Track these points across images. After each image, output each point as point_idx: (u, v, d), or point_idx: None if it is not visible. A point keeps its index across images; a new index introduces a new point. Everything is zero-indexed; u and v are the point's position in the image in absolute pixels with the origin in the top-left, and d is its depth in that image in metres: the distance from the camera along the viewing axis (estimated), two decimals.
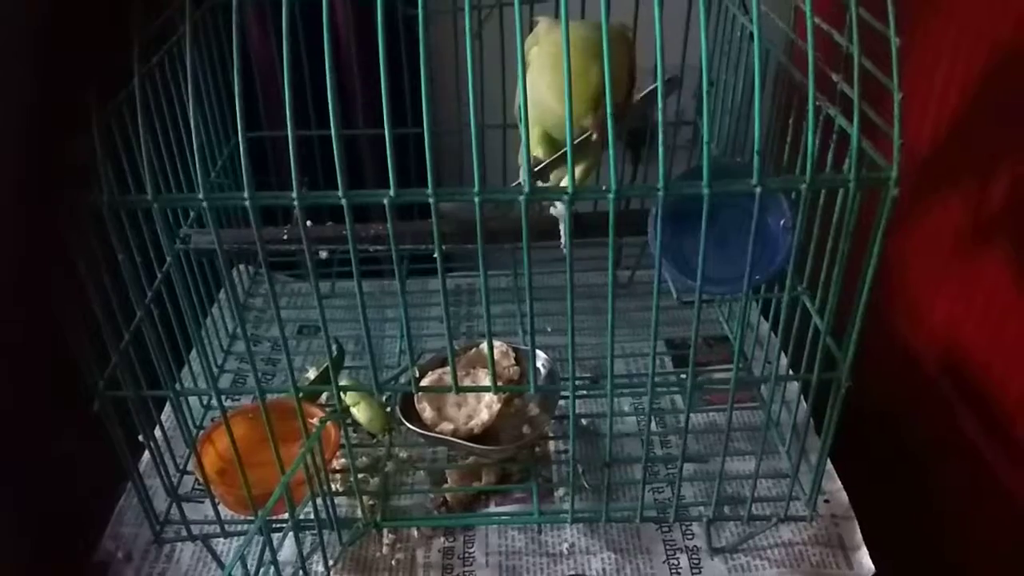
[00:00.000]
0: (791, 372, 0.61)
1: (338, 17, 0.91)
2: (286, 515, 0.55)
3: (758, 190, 0.43)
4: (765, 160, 0.43)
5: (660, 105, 0.43)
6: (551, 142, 0.61)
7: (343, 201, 0.43)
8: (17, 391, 0.61)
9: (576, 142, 0.54)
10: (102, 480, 0.69)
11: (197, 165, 0.43)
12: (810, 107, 0.43)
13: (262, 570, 0.53)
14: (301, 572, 0.54)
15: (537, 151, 0.60)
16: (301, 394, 0.53)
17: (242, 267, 0.90)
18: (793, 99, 0.57)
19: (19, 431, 0.61)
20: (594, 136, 0.54)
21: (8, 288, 0.61)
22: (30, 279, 0.62)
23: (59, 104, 0.45)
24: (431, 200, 0.44)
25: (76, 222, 0.46)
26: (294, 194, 0.43)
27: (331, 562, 0.58)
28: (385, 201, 0.43)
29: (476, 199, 0.43)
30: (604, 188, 0.43)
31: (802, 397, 0.64)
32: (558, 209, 0.60)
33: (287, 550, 0.59)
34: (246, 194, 0.43)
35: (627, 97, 0.58)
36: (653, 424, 0.71)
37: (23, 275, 0.62)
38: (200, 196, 0.43)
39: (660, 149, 0.43)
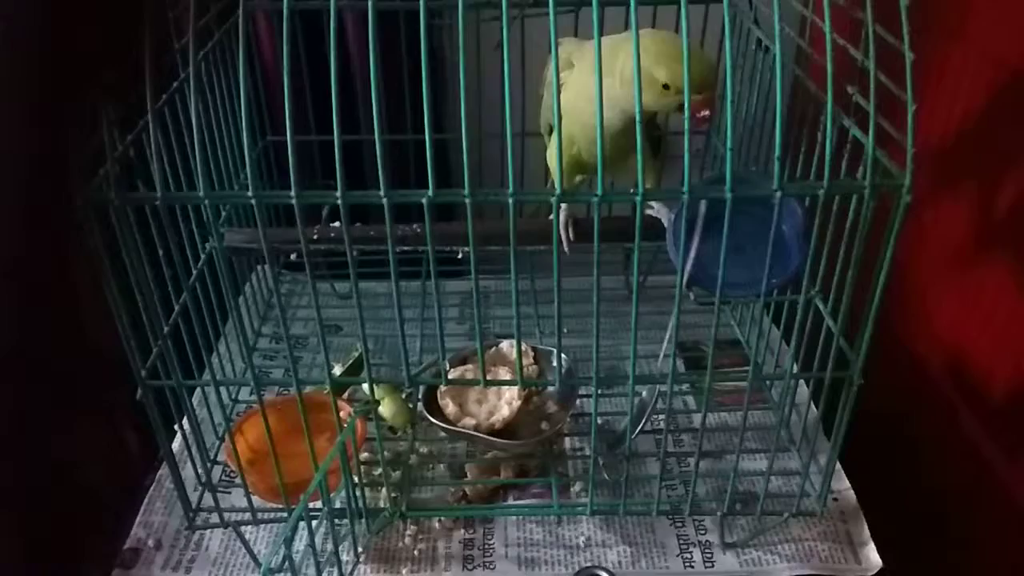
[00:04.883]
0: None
1: (354, 29, 0.94)
2: (316, 504, 0.57)
3: (778, 195, 0.45)
4: (784, 167, 0.45)
5: (686, 115, 0.45)
6: (580, 166, 0.63)
7: (384, 200, 0.45)
8: (42, 388, 0.63)
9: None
10: (126, 472, 0.71)
11: (248, 163, 0.45)
12: (828, 118, 0.45)
13: (296, 556, 0.55)
14: (335, 558, 0.56)
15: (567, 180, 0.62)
16: (331, 386, 0.55)
17: (261, 269, 0.92)
18: (807, 110, 0.59)
19: (42, 428, 0.63)
20: (705, 114, 0.54)
21: (39, 287, 0.63)
22: (64, 276, 0.64)
23: (109, 102, 0.47)
24: (467, 200, 0.46)
25: (123, 218, 0.49)
26: (338, 193, 0.45)
27: (360, 549, 0.60)
28: (424, 201, 0.46)
29: (511, 200, 0.46)
30: (632, 191, 0.46)
31: (812, 402, 0.66)
32: (657, 209, 0.60)
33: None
34: (292, 192, 0.45)
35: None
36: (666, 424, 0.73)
37: (58, 272, 0.64)
38: (249, 193, 0.45)
39: (685, 155, 0.45)
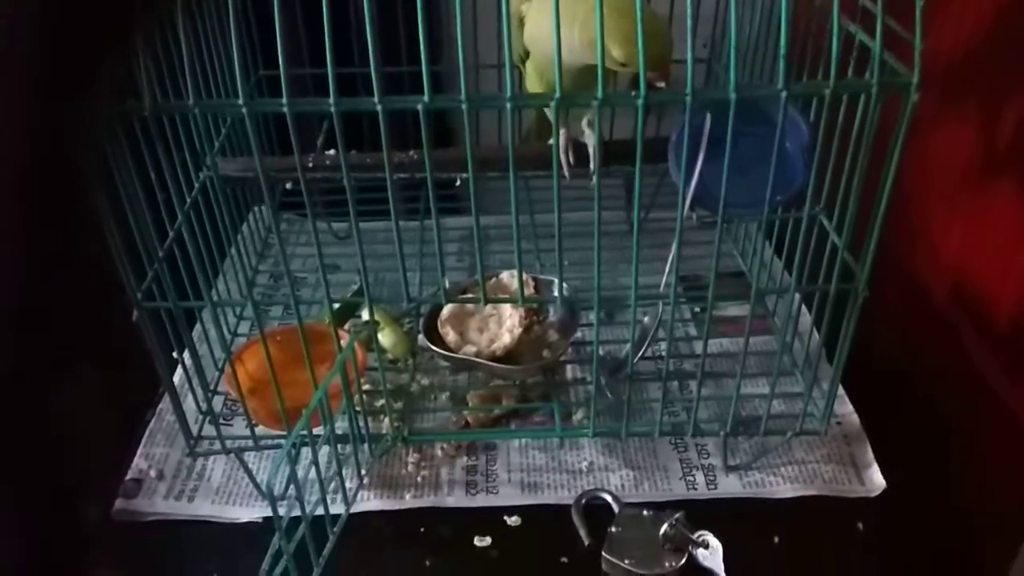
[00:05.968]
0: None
1: None
2: (317, 430, 0.56)
3: (784, 94, 0.44)
4: (790, 68, 0.44)
5: (689, 24, 0.44)
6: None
7: (379, 107, 0.44)
8: (40, 326, 0.63)
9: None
10: (126, 407, 0.71)
11: (238, 75, 0.44)
12: (835, 12, 0.44)
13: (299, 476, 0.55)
14: (338, 479, 0.56)
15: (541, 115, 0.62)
16: (331, 312, 0.55)
17: (257, 209, 0.91)
18: (811, 23, 0.58)
19: (40, 368, 0.63)
20: (661, 85, 0.53)
21: (40, 206, 0.62)
22: (62, 193, 0.63)
23: (98, 13, 0.45)
24: (464, 106, 0.45)
25: (112, 131, 0.48)
26: (331, 99, 0.44)
27: (363, 472, 0.59)
28: (419, 107, 0.44)
29: (508, 105, 0.45)
30: (633, 94, 0.44)
31: (814, 329, 0.65)
32: (587, 136, 0.61)
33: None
34: (284, 100, 0.44)
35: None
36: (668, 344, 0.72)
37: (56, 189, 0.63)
38: (240, 102, 0.44)
39: (689, 57, 0.44)
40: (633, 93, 0.44)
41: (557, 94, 0.45)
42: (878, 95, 0.45)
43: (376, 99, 0.44)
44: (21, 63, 0.53)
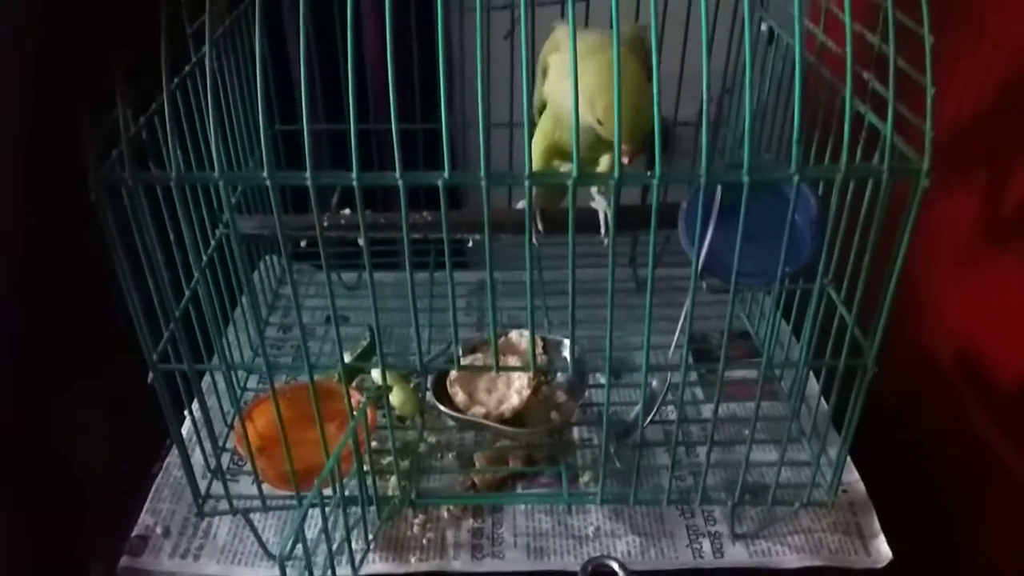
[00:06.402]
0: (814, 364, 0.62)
1: (366, 17, 0.94)
2: (326, 491, 0.56)
3: (796, 178, 0.45)
4: (801, 151, 0.45)
5: (705, 108, 0.45)
6: (560, 152, 0.63)
7: (400, 182, 0.45)
8: (43, 376, 0.63)
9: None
10: (132, 460, 0.71)
11: (263, 143, 0.45)
12: (848, 101, 0.45)
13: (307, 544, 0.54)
14: (346, 545, 0.56)
15: (542, 164, 0.63)
16: (342, 372, 0.55)
17: (268, 259, 0.92)
18: (819, 97, 0.59)
19: (43, 417, 0.63)
20: (625, 160, 0.54)
21: (40, 272, 0.63)
22: (67, 260, 0.64)
23: (119, 79, 0.47)
24: (483, 184, 0.46)
25: (136, 199, 0.48)
26: (354, 174, 0.45)
27: (370, 537, 0.59)
28: (439, 183, 0.45)
29: (527, 183, 0.45)
30: (649, 174, 0.45)
31: (822, 398, 0.66)
32: (598, 202, 0.62)
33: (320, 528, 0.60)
34: (307, 173, 0.45)
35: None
36: (675, 415, 0.73)
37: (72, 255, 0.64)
38: (264, 174, 0.45)
39: (704, 137, 0.45)
40: (648, 173, 0.45)
41: (574, 175, 0.45)
42: (888, 181, 0.45)
43: (397, 175, 0.45)
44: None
